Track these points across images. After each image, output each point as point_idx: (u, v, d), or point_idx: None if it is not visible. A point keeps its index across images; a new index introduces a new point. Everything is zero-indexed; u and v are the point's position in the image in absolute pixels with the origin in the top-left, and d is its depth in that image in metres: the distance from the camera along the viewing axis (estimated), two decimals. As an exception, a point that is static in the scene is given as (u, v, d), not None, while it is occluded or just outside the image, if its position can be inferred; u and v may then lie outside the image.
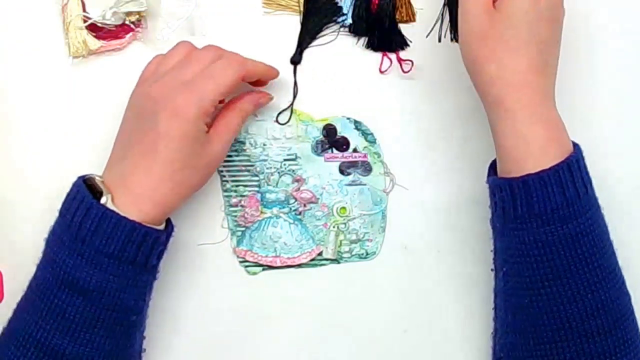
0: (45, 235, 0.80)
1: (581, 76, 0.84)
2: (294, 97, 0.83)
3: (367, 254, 0.83)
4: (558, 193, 0.69)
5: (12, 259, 0.81)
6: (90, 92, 0.83)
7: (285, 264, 0.83)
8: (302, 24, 0.83)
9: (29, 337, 0.70)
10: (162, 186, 0.72)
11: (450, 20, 0.84)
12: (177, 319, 0.80)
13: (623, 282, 0.72)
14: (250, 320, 0.83)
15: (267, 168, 0.83)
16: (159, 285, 0.76)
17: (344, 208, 0.83)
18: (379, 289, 0.83)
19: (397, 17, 0.84)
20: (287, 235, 0.83)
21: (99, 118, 0.82)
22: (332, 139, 0.83)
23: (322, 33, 0.84)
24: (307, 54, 0.84)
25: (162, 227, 0.74)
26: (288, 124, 0.83)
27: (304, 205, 0.83)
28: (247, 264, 0.83)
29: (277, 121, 0.83)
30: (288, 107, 0.83)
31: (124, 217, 0.70)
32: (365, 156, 0.83)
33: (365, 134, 0.83)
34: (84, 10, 0.81)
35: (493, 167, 0.75)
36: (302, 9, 0.83)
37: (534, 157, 0.70)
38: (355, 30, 0.84)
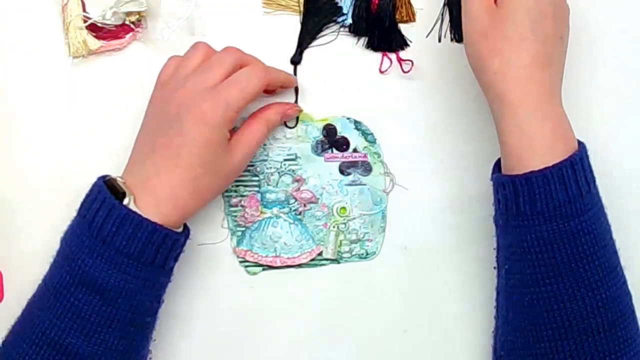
0: (45, 235, 0.81)
1: (582, 74, 0.84)
2: (296, 97, 0.83)
3: (367, 254, 0.83)
4: (561, 191, 0.69)
5: (12, 259, 0.81)
6: (90, 92, 0.83)
7: (285, 264, 0.83)
8: (302, 24, 0.84)
9: (43, 335, 0.70)
10: (183, 190, 0.72)
11: (450, 20, 0.84)
12: (177, 318, 0.80)
13: (624, 281, 0.72)
14: (250, 320, 0.83)
15: (267, 168, 0.83)
16: (159, 285, 0.77)
17: (344, 208, 0.83)
18: (378, 289, 0.83)
19: (397, 17, 0.84)
20: (287, 235, 0.83)
21: (99, 118, 0.83)
22: (332, 139, 0.83)
23: (322, 33, 0.84)
24: (307, 54, 0.84)
25: (180, 230, 0.74)
26: (288, 123, 0.83)
27: (304, 205, 0.83)
28: (247, 264, 0.83)
29: (285, 125, 0.83)
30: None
31: (146, 219, 0.70)
32: (365, 156, 0.83)
33: (365, 134, 0.83)
34: (84, 10, 0.81)
35: (498, 165, 0.75)
36: (302, 9, 0.83)
37: (537, 154, 0.70)
38: (355, 30, 0.84)
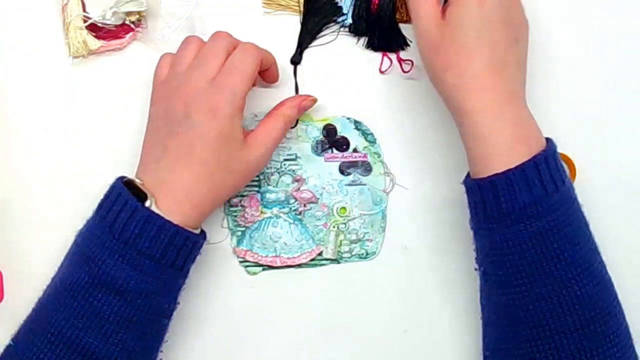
0: (45, 235, 0.81)
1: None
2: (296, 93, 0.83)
3: (367, 253, 0.83)
4: (525, 191, 0.69)
5: (12, 259, 0.81)
6: (90, 92, 0.83)
7: (285, 264, 0.83)
8: (302, 24, 0.84)
9: (59, 334, 0.70)
10: (200, 187, 0.73)
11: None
12: (177, 319, 0.80)
13: (602, 278, 0.71)
14: (250, 321, 0.83)
15: (267, 168, 0.83)
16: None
17: (344, 208, 0.83)
18: (378, 289, 0.83)
19: (397, 17, 0.84)
20: (287, 235, 0.83)
21: (99, 118, 0.83)
22: (332, 139, 0.83)
23: (322, 33, 0.84)
24: (307, 54, 0.84)
25: (198, 231, 0.75)
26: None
27: (304, 205, 0.83)
28: (247, 264, 0.83)
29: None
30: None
31: (168, 221, 0.70)
32: (365, 156, 0.83)
33: (365, 134, 0.83)
34: (84, 10, 0.81)
35: None
36: (302, 9, 0.83)
37: (498, 157, 0.70)
38: (355, 30, 0.84)
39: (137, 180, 0.73)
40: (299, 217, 0.83)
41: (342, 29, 0.84)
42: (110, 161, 0.82)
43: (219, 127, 0.72)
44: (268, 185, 0.83)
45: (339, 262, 0.83)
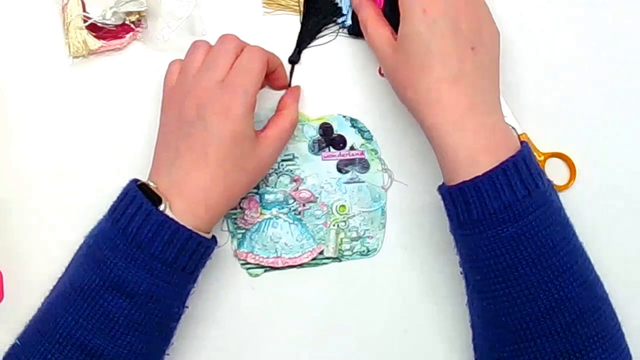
0: (45, 235, 0.81)
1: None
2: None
3: (368, 251, 0.83)
4: (494, 197, 0.69)
5: (12, 259, 0.81)
6: (90, 92, 0.83)
7: (287, 265, 0.83)
8: (302, 24, 0.84)
9: (67, 335, 0.70)
10: (214, 189, 0.73)
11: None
12: (181, 324, 0.79)
13: (585, 279, 0.71)
14: (252, 322, 0.83)
15: (265, 169, 0.83)
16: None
17: (343, 206, 0.83)
18: (379, 288, 0.83)
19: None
20: (287, 236, 0.83)
21: (99, 118, 0.83)
22: (328, 138, 0.84)
23: (322, 33, 0.84)
24: (304, 53, 0.84)
25: (209, 236, 0.75)
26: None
27: (303, 205, 0.83)
28: (248, 266, 0.83)
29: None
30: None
31: (182, 226, 0.71)
32: (362, 153, 0.83)
33: (362, 132, 0.83)
34: (84, 10, 0.81)
35: None
36: (302, 9, 0.84)
37: (462, 168, 0.70)
38: (354, 31, 0.84)
39: (151, 184, 0.73)
40: (299, 217, 0.83)
41: (341, 30, 0.84)
42: (110, 161, 0.82)
43: (232, 127, 0.72)
44: (266, 186, 0.83)
45: (340, 260, 0.83)
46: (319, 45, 0.84)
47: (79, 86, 0.83)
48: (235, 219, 0.83)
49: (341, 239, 0.83)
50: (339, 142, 0.83)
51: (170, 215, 0.71)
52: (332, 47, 0.84)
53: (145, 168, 0.76)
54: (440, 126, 0.71)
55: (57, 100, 0.83)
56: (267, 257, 0.83)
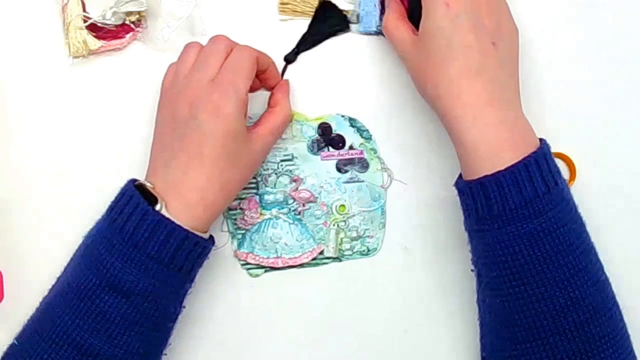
0: (45, 235, 0.81)
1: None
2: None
3: (368, 250, 0.83)
4: (515, 193, 0.69)
5: (12, 259, 0.81)
6: (90, 92, 0.83)
7: (287, 265, 0.83)
8: (308, 28, 0.84)
9: (64, 335, 0.70)
10: (210, 188, 0.73)
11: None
12: (181, 322, 0.79)
13: (598, 279, 0.71)
14: (254, 322, 0.83)
15: (264, 169, 0.83)
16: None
17: (343, 206, 0.83)
18: (379, 287, 0.83)
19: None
20: (287, 236, 0.83)
21: (99, 118, 0.83)
22: (327, 138, 0.84)
23: (324, 42, 0.84)
24: (302, 54, 0.84)
25: (207, 236, 0.75)
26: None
27: (303, 205, 0.83)
28: (249, 266, 0.83)
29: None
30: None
31: (179, 226, 0.71)
32: (361, 153, 0.83)
33: (361, 131, 0.83)
34: (84, 10, 0.81)
35: None
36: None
37: (482, 162, 0.70)
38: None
39: (148, 184, 0.73)
40: (299, 217, 0.83)
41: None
42: (110, 161, 0.82)
43: (225, 125, 0.73)
44: (266, 186, 0.83)
45: (340, 260, 0.83)
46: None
47: (79, 86, 0.83)
48: (235, 219, 0.83)
49: (341, 239, 0.83)
50: (338, 142, 0.83)
51: (167, 215, 0.71)
52: (330, 47, 0.84)
53: (145, 168, 0.76)
54: (460, 120, 0.71)
55: (57, 100, 0.83)
56: (267, 258, 0.83)
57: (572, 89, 0.84)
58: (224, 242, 0.83)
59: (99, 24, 0.82)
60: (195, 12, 0.83)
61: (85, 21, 0.81)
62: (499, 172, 0.69)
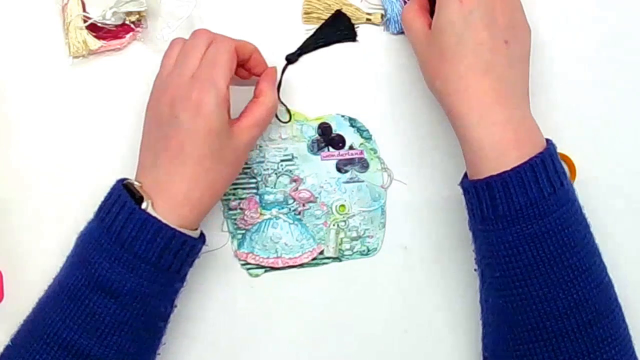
0: (44, 235, 0.81)
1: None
2: (278, 90, 0.83)
3: (368, 250, 0.83)
4: (521, 193, 0.68)
5: (12, 259, 0.81)
6: (90, 92, 0.83)
7: (287, 265, 0.83)
8: (314, 33, 0.84)
9: (55, 335, 0.70)
10: (197, 187, 0.72)
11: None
12: (180, 326, 0.80)
13: (601, 281, 0.71)
14: (254, 322, 0.83)
15: (264, 170, 0.83)
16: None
17: (343, 206, 0.83)
18: (379, 287, 0.83)
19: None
20: (287, 236, 0.83)
21: (99, 118, 0.83)
22: (327, 138, 0.84)
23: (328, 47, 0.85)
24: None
25: (196, 234, 0.74)
26: (282, 124, 0.83)
27: (303, 205, 0.83)
28: (249, 266, 0.83)
29: (278, 118, 0.83)
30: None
31: (165, 225, 0.70)
32: (361, 153, 0.83)
33: (361, 131, 0.84)
34: (84, 10, 0.81)
35: None
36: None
37: (487, 160, 0.70)
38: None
39: (136, 183, 0.73)
40: (299, 217, 0.83)
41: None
42: (110, 161, 0.82)
43: (206, 123, 0.72)
44: (266, 186, 0.83)
45: (340, 260, 0.83)
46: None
47: (79, 86, 0.83)
48: (235, 219, 0.83)
49: (341, 239, 0.83)
50: (338, 142, 0.83)
51: (153, 214, 0.70)
52: (330, 47, 0.84)
53: (145, 168, 0.76)
54: (466, 117, 0.71)
55: (57, 100, 0.83)
56: (267, 258, 0.83)
57: (572, 89, 0.84)
58: (224, 242, 0.83)
59: (99, 24, 0.82)
60: (195, 12, 0.83)
61: (85, 21, 0.81)
62: (505, 172, 0.69)
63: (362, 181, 0.83)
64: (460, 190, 0.74)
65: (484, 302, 0.75)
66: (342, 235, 0.83)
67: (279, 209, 0.83)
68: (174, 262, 0.72)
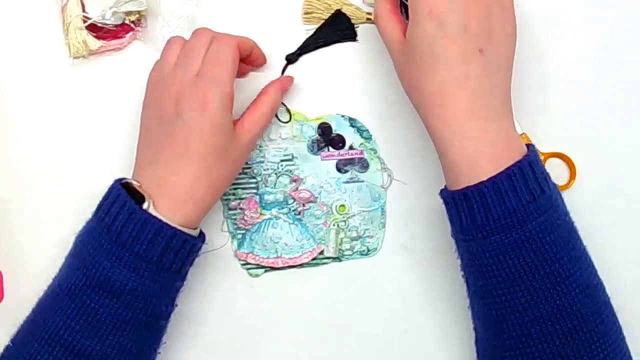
0: (44, 235, 0.81)
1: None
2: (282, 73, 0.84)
3: (368, 250, 0.83)
4: (498, 203, 0.67)
5: (12, 259, 0.81)
6: (91, 92, 0.83)
7: (287, 265, 0.83)
8: (315, 33, 0.84)
9: (56, 335, 0.70)
10: (199, 184, 0.72)
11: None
12: (181, 325, 0.80)
13: (588, 285, 0.69)
14: (254, 322, 0.83)
15: (264, 170, 0.83)
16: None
17: (343, 206, 0.83)
18: (379, 287, 0.83)
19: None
20: (287, 236, 0.83)
21: (99, 118, 0.83)
22: (327, 138, 0.84)
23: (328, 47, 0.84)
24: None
25: (196, 233, 0.74)
26: (282, 124, 0.83)
27: (303, 205, 0.83)
28: (249, 266, 0.83)
29: (278, 118, 0.83)
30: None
31: (166, 224, 0.70)
32: (361, 153, 0.83)
33: (361, 131, 0.84)
34: (84, 11, 0.82)
35: None
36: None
37: (463, 174, 0.69)
38: None
39: (135, 182, 0.73)
40: (299, 217, 0.83)
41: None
42: (110, 161, 0.82)
43: (211, 121, 0.72)
44: (266, 186, 0.83)
45: (340, 260, 0.83)
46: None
47: (79, 86, 0.83)
48: (235, 219, 0.83)
49: (341, 239, 0.83)
50: (338, 142, 0.83)
51: (154, 213, 0.70)
52: (330, 47, 0.84)
53: (146, 168, 0.76)
54: (441, 131, 0.70)
55: (57, 100, 0.83)
56: (267, 258, 0.83)
57: (573, 89, 0.84)
58: (224, 242, 0.83)
59: (98, 24, 0.82)
60: (195, 12, 0.83)
61: (85, 21, 0.81)
62: (481, 182, 0.68)
63: (362, 181, 0.83)
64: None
65: (471, 308, 0.75)
66: (342, 235, 0.83)
67: (279, 209, 0.83)
68: (175, 261, 0.72)
